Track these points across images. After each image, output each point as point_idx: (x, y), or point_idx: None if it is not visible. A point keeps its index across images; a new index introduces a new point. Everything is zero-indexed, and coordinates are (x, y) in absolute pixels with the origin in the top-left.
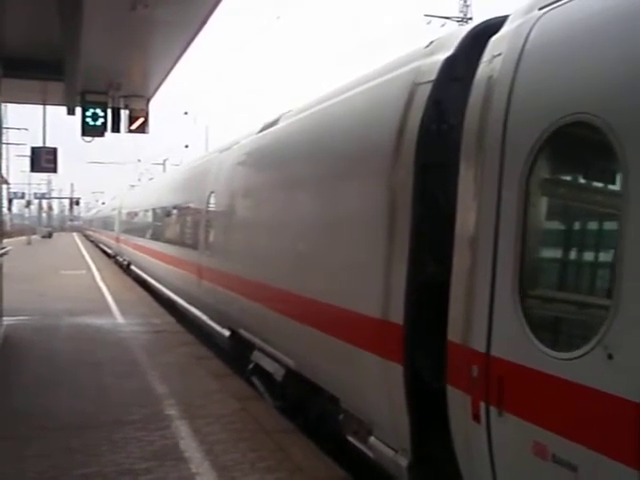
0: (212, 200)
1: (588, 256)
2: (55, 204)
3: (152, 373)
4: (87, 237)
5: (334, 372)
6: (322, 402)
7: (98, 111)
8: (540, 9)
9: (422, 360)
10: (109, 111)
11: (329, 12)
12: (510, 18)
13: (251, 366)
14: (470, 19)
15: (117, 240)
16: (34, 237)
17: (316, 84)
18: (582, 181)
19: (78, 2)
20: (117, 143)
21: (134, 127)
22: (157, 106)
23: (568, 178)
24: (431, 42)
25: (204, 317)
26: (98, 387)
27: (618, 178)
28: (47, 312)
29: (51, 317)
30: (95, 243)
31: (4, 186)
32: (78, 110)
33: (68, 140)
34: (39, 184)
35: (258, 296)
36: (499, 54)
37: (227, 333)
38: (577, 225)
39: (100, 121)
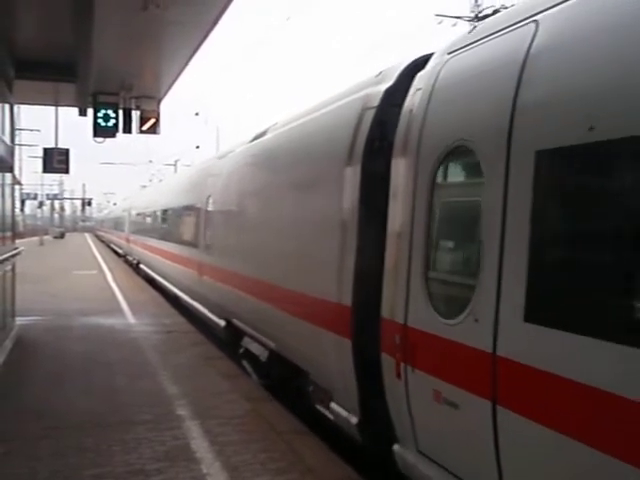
0: (210, 203)
1: (464, 248)
2: (67, 205)
3: (163, 373)
4: (99, 237)
5: (305, 350)
6: (298, 378)
7: (110, 112)
8: (449, 54)
9: (365, 335)
10: (120, 112)
11: (339, 12)
12: (432, 58)
13: (242, 351)
14: (482, 18)
15: (127, 240)
16: (46, 238)
17: (324, 84)
18: (463, 188)
19: (90, 3)
20: (129, 144)
21: (145, 128)
22: (168, 107)
23: (455, 187)
24: (380, 72)
25: (204, 310)
26: (110, 387)
27: (480, 185)
28: (59, 312)
29: (63, 317)
30: (106, 243)
31: (17, 187)
32: (90, 111)
33: (80, 141)
34: (51, 185)
35: (246, 288)
36: (419, 88)
37: (223, 323)
38: (459, 223)
39: (112, 122)
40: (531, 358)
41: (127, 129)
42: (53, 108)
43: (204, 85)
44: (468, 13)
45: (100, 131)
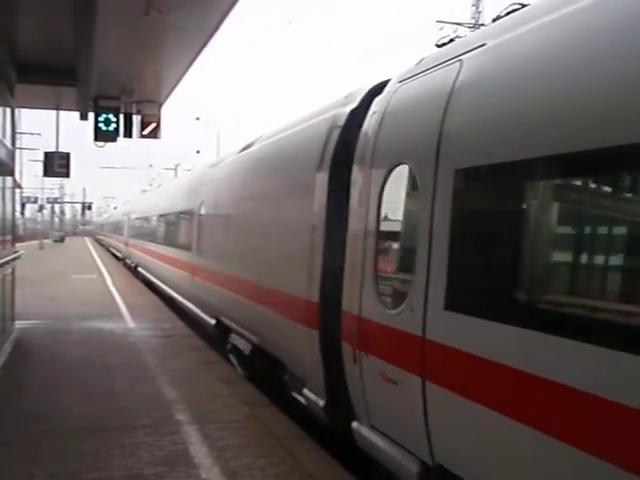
0: (202, 209)
1: (404, 251)
2: (67, 209)
3: (162, 378)
4: (98, 241)
5: (281, 342)
6: (277, 368)
7: (111, 116)
8: (399, 82)
9: (330, 326)
10: (121, 116)
11: (338, 13)
12: (388, 85)
13: (229, 346)
14: (482, 25)
15: (126, 244)
16: (46, 241)
17: (325, 89)
18: (404, 201)
19: (92, 8)
20: (129, 148)
21: (146, 132)
22: (169, 111)
23: (397, 200)
24: (348, 94)
25: (197, 310)
26: (108, 391)
27: (416, 198)
28: (58, 316)
29: (62, 321)
30: (106, 247)
31: (17, 191)
32: (91, 115)
33: (81, 145)
34: (52, 189)
35: (232, 287)
36: (375, 112)
37: (213, 322)
38: (400, 230)
39: (112, 126)
40: (449, 339)
41: (128, 133)
42: (54, 112)
43: (205, 90)
44: (469, 19)
45: (101, 135)
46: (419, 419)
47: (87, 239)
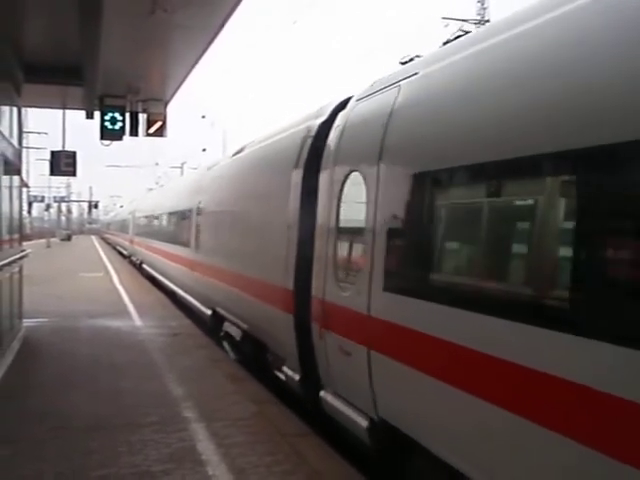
0: (199, 208)
1: (355, 245)
2: (74, 207)
3: (169, 376)
4: (105, 240)
5: (265, 327)
6: (262, 350)
7: (117, 115)
8: (357, 100)
9: (302, 310)
10: (127, 115)
11: (345, 16)
12: (350, 102)
13: (222, 334)
14: (487, 21)
15: (131, 242)
16: (53, 240)
17: (330, 87)
18: (357, 203)
19: (98, 8)
20: (135, 147)
21: (152, 131)
22: (175, 110)
23: (352, 202)
24: (320, 108)
25: (196, 302)
26: (115, 389)
27: (364, 201)
28: (65, 314)
29: (69, 319)
30: (112, 245)
31: (24, 190)
32: (97, 114)
33: (87, 144)
34: (58, 187)
35: (224, 279)
36: (338, 125)
37: (209, 312)
38: (354, 227)
39: (118, 125)
40: (390, 314)
41: (134, 132)
42: (60, 111)
43: (211, 88)
44: (474, 16)
45: (107, 134)
46: (366, 383)
47: (94, 238)
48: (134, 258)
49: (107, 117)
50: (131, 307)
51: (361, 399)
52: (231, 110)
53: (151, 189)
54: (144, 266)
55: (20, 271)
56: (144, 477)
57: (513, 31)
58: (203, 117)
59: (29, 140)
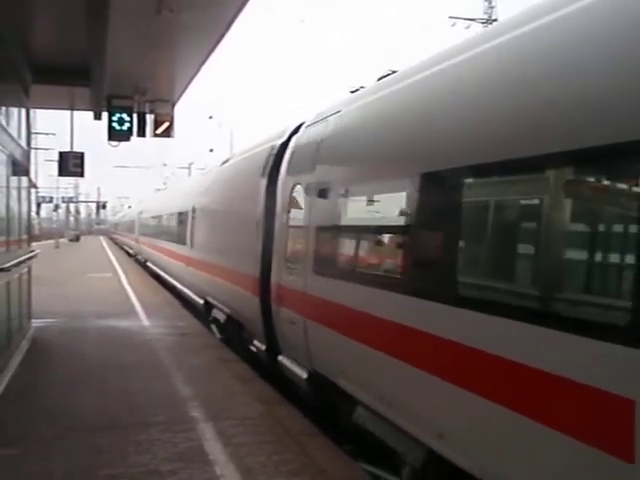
0: (194, 209)
1: (298, 241)
2: (82, 208)
3: (177, 375)
4: (113, 240)
5: (241, 309)
6: (240, 329)
7: (124, 116)
8: (305, 127)
9: (266, 293)
10: (135, 116)
11: (353, 14)
12: (302, 127)
13: (211, 319)
14: (495, 20)
15: (137, 241)
16: (62, 240)
17: (338, 86)
18: (301, 208)
19: (104, 8)
20: (143, 147)
21: (159, 131)
22: (182, 110)
23: (298, 208)
24: (282, 130)
25: (191, 293)
26: (124, 389)
27: (305, 207)
28: (74, 314)
29: (78, 319)
30: (120, 245)
31: (33, 190)
32: (105, 115)
33: (95, 145)
34: (66, 188)
35: (212, 272)
36: (291, 146)
37: (202, 302)
38: (299, 227)
39: (126, 125)
40: (317, 291)
41: (141, 132)
42: (68, 112)
43: (218, 88)
44: (482, 15)
45: (115, 134)
46: (304, 344)
47: (102, 238)
48: (140, 257)
49: (115, 118)
50: (139, 307)
51: (302, 357)
52: (238, 110)
53: (159, 190)
54: (148, 264)
55: (29, 271)
56: (152, 476)
57: (391, 88)
58: (210, 117)
59: (37, 141)
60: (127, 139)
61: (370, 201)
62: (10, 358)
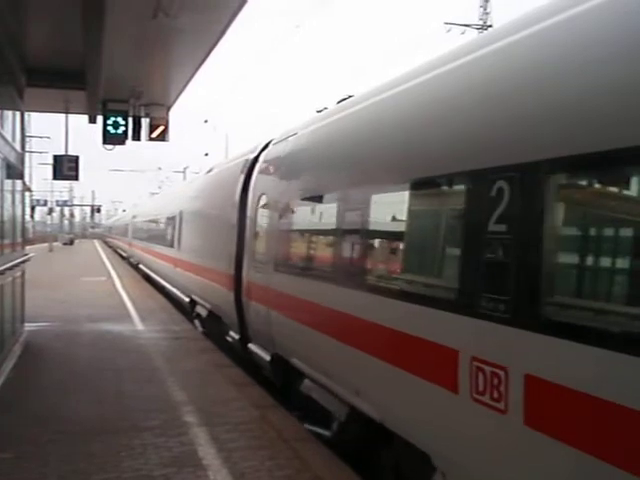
0: (181, 215)
1: (261, 243)
2: (77, 211)
3: (171, 380)
4: (107, 244)
5: (219, 304)
6: (219, 323)
7: (119, 119)
8: (272, 144)
9: (239, 289)
10: (130, 119)
11: (348, 21)
12: (270, 144)
13: (195, 314)
14: (490, 26)
15: (130, 245)
16: (56, 244)
17: (334, 90)
18: (265, 215)
19: (100, 12)
20: (138, 151)
21: (155, 135)
22: (177, 114)
23: (263, 215)
24: (255, 146)
25: (178, 292)
26: (117, 393)
27: (269, 214)
28: (68, 318)
29: (72, 323)
30: (114, 249)
31: (27, 194)
32: (99, 118)
33: (90, 148)
34: (61, 192)
35: (194, 271)
36: (260, 161)
37: (187, 299)
38: (262, 231)
39: (121, 129)
40: (277, 285)
41: (136, 136)
42: (63, 115)
43: (213, 92)
44: (477, 21)
45: (109, 138)
46: (269, 330)
47: (96, 242)
48: (132, 260)
49: (110, 121)
50: (133, 311)
51: (267, 343)
52: (234, 114)
53: (154, 193)
54: (140, 266)
55: (22, 275)
56: None
57: (332, 118)
58: (205, 121)
59: (32, 144)
60: (122, 143)
61: (313, 211)
62: (3, 362)
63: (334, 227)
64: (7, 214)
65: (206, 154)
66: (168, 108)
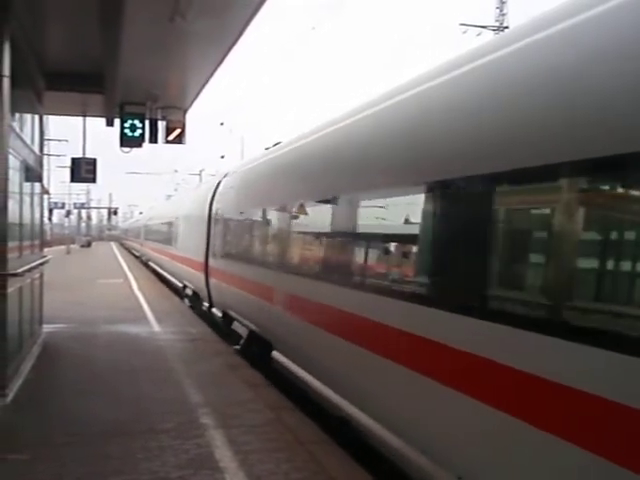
0: (177, 217)
1: (219, 241)
2: (94, 214)
3: (187, 382)
4: (123, 246)
5: (197, 284)
6: (198, 299)
7: (136, 122)
8: (225, 176)
9: (207, 271)
10: (147, 122)
11: (364, 21)
12: (229, 173)
13: (185, 295)
14: (506, 27)
15: (141, 245)
16: (73, 246)
17: (350, 93)
18: (218, 225)
19: (118, 16)
20: (154, 154)
21: (171, 138)
22: (194, 117)
23: (217, 225)
24: (226, 173)
25: (176, 281)
26: (134, 395)
27: (220, 226)
28: (85, 320)
29: (89, 325)
30: (129, 250)
31: (45, 196)
32: (117, 121)
33: (107, 151)
34: (78, 194)
35: (185, 262)
36: (220, 186)
37: (181, 285)
38: (213, 232)
39: (138, 132)
40: (223, 267)
41: (153, 139)
42: (81, 118)
43: (230, 95)
44: (493, 22)
45: (127, 141)
46: (221, 296)
47: (113, 244)
48: (143, 258)
49: (127, 124)
50: (149, 313)
51: (220, 304)
52: (250, 116)
53: (170, 196)
54: (150, 263)
55: (41, 277)
56: None
57: (249, 165)
58: (222, 124)
59: (50, 147)
60: (139, 145)
61: (240, 220)
62: (22, 363)
63: (249, 230)
64: (26, 216)
65: (222, 156)
66: (185, 111)
